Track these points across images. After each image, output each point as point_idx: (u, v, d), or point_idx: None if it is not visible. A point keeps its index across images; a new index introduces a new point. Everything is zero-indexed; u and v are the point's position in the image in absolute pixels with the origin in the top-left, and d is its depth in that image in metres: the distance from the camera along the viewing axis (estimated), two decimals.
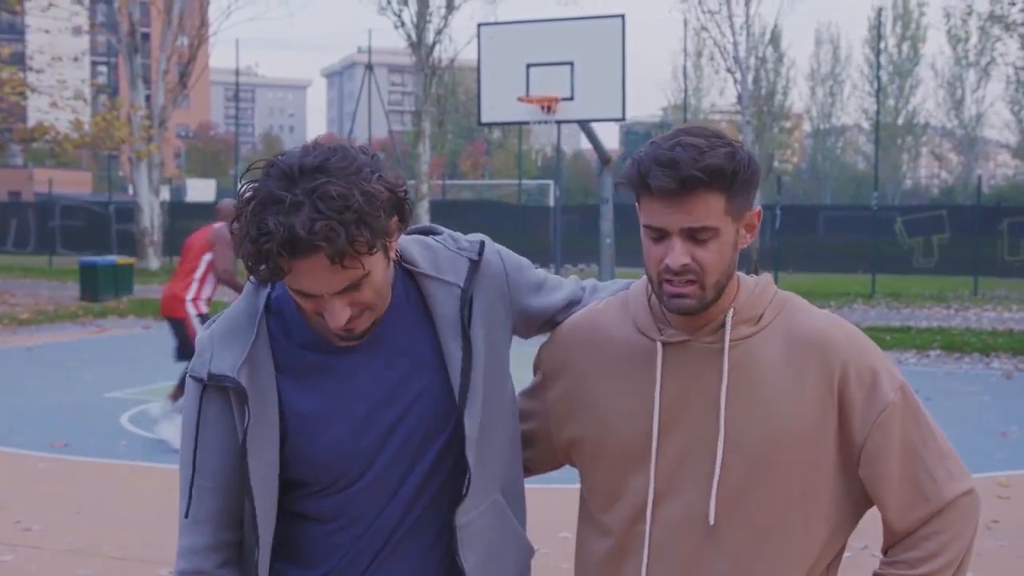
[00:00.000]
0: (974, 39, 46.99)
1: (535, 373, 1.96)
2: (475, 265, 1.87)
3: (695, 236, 1.66)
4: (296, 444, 1.78)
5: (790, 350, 1.72)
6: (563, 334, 1.91)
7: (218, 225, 8.26)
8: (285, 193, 1.60)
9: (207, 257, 8.19)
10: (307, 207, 1.59)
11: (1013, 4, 20.79)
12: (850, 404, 1.71)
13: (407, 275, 1.84)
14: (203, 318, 8.03)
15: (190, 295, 8.15)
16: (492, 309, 1.88)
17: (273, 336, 1.79)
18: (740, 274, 1.79)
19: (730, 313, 1.73)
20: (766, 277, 1.83)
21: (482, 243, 1.91)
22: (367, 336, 1.76)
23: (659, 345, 1.76)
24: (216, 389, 1.76)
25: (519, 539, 1.96)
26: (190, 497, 1.80)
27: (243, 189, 1.66)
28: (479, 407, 1.81)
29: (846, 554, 1.85)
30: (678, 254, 1.66)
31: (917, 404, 1.77)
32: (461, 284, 1.84)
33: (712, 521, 1.71)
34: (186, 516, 1.80)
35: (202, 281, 8.21)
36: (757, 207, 1.79)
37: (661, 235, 1.68)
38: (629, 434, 1.77)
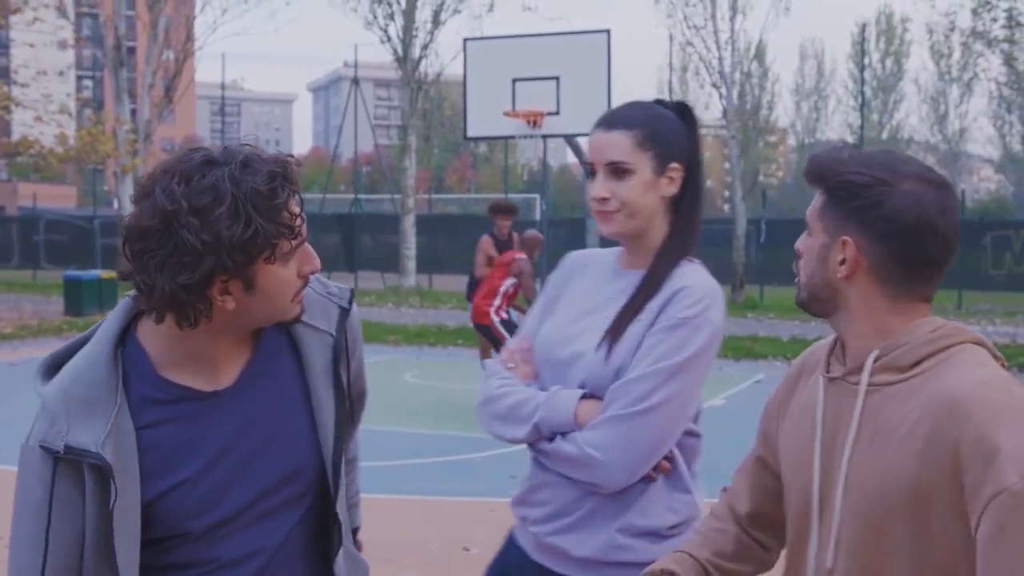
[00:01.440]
0: (957, 55, 47.34)
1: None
2: (345, 313, 1.86)
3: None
4: (162, 504, 1.70)
5: (923, 406, 1.62)
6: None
7: (521, 258, 10.43)
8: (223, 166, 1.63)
9: (510, 282, 10.31)
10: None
11: (995, 20, 20.96)
12: (964, 477, 1.55)
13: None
14: (505, 323, 10.09)
15: (493, 307, 10.23)
16: (352, 358, 1.90)
17: (132, 399, 1.69)
18: (926, 321, 1.70)
19: (873, 355, 1.70)
20: (950, 327, 1.69)
21: (352, 291, 1.92)
22: (236, 380, 1.75)
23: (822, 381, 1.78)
24: (69, 463, 1.64)
25: (358, 561, 2.01)
26: None
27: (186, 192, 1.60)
28: (335, 455, 1.81)
29: None
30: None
31: None
32: (333, 332, 1.84)
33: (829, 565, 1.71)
34: None
35: (504, 296, 10.30)
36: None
37: None
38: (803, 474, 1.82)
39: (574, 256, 2.44)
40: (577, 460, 2.14)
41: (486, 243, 10.97)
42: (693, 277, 2.24)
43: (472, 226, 31.76)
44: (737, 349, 15.05)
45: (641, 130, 2.24)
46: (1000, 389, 1.58)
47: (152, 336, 1.73)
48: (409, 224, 27.29)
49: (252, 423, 1.76)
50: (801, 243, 1.78)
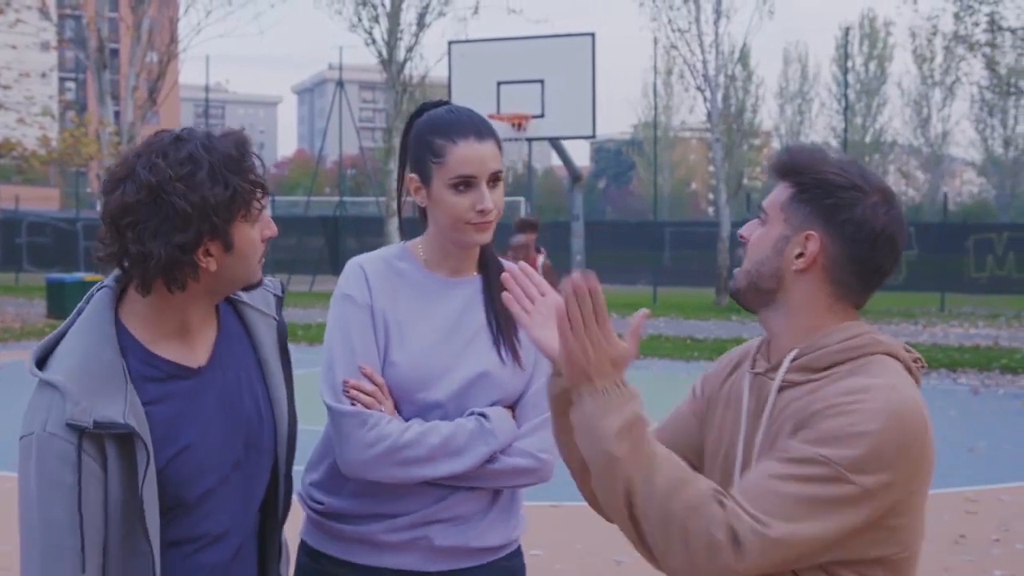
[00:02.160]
0: (939, 59, 47.53)
1: None
2: (280, 301, 2.09)
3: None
4: (169, 470, 1.84)
5: (808, 406, 1.69)
6: None
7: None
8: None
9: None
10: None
11: (977, 25, 21.07)
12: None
13: (228, 304, 2.01)
14: None
15: None
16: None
17: (132, 377, 1.82)
18: (848, 326, 1.74)
19: (791, 355, 1.74)
20: (868, 337, 1.74)
21: (283, 283, 2.14)
22: (209, 359, 1.93)
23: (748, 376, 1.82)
24: (92, 439, 1.75)
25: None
26: (84, 557, 1.76)
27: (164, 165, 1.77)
28: (289, 428, 2.03)
29: None
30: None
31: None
32: (276, 316, 2.06)
33: None
34: (83, 571, 1.76)
35: None
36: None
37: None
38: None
39: (365, 268, 2.32)
40: (528, 468, 2.25)
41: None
42: (514, 265, 2.36)
43: None
44: (721, 352, 15.04)
45: (496, 136, 2.32)
46: (874, 392, 1.63)
47: (133, 317, 1.87)
48: (394, 227, 27.24)
49: (227, 397, 1.93)
50: (749, 231, 1.81)
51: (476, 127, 2.27)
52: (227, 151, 1.81)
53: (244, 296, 2.02)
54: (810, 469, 1.60)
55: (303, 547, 2.37)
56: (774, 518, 1.57)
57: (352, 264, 2.34)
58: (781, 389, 1.74)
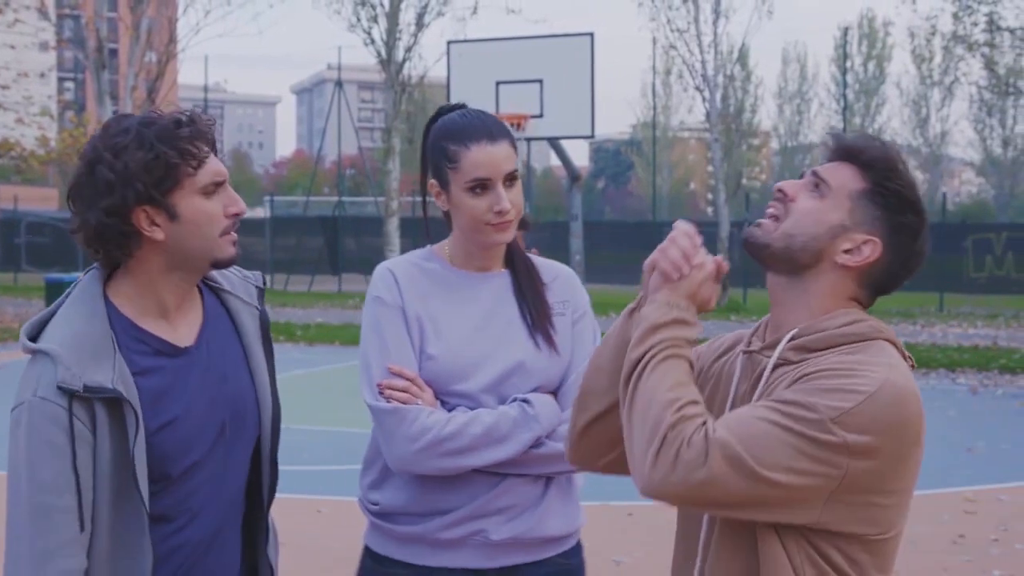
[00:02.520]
0: (938, 58, 47.53)
1: None
2: (261, 292, 2.16)
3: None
4: (155, 441, 1.90)
5: (804, 371, 1.70)
6: None
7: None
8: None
9: None
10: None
11: (975, 25, 21.07)
12: None
13: (212, 293, 2.08)
14: None
15: None
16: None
17: (121, 350, 1.89)
18: (848, 311, 1.76)
19: (791, 334, 1.75)
20: (868, 324, 1.76)
21: (263, 275, 2.22)
22: (196, 341, 2.00)
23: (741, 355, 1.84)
24: (83, 403, 1.82)
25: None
26: (82, 516, 1.82)
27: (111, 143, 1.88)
28: (273, 412, 2.09)
29: None
30: None
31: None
32: (258, 306, 2.13)
33: None
34: (82, 530, 1.83)
35: None
36: None
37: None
38: None
39: (394, 270, 2.38)
40: None
41: None
42: (547, 261, 2.46)
43: None
44: None
45: (510, 136, 2.37)
46: (874, 366, 1.65)
47: (120, 296, 1.95)
48: (393, 227, 27.22)
49: (212, 377, 2.00)
50: (795, 191, 1.78)
51: (488, 129, 2.31)
52: (164, 124, 1.89)
53: (226, 284, 2.09)
54: (795, 410, 1.60)
55: (366, 551, 2.41)
56: (749, 448, 1.57)
57: (380, 268, 2.40)
58: (775, 367, 1.74)
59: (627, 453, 1.66)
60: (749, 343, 1.83)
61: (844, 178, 1.76)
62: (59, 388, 1.80)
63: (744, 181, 34.74)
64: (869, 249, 1.74)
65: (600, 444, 1.87)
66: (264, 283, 2.19)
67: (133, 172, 1.85)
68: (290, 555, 6.07)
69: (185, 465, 1.95)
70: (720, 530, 1.74)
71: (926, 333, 18.38)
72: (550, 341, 2.33)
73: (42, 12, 24.80)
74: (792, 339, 1.74)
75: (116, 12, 26.60)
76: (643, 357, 1.66)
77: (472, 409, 2.27)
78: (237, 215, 1.96)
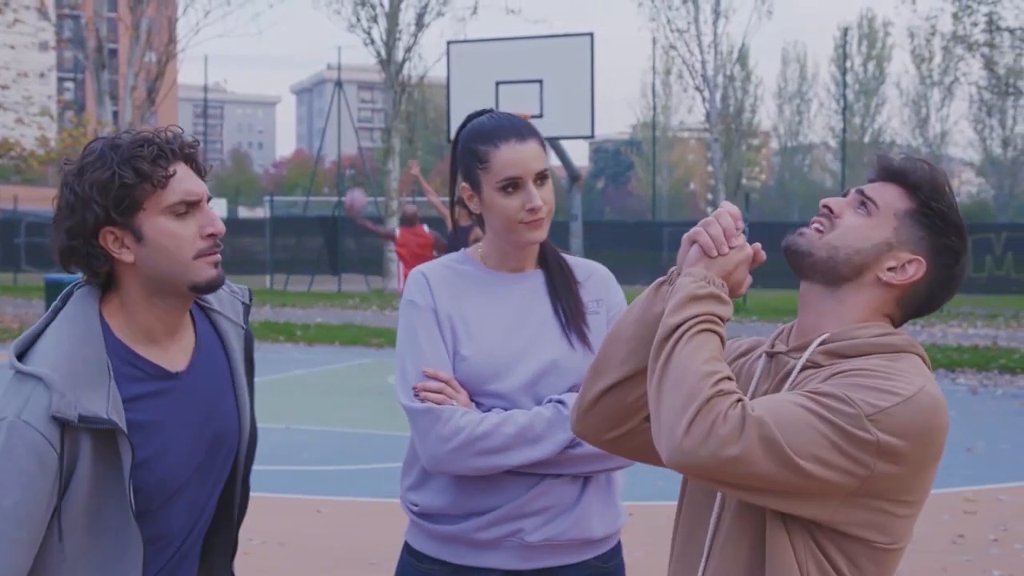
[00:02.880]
0: (938, 59, 47.57)
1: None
2: (247, 308, 2.13)
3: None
4: (139, 473, 1.87)
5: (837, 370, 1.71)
6: None
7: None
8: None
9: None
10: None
11: (975, 25, 21.09)
12: None
13: (203, 313, 2.06)
14: None
15: None
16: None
17: (116, 375, 1.86)
18: (879, 323, 1.77)
19: (821, 338, 1.76)
20: (899, 337, 1.77)
21: (250, 290, 2.18)
22: (188, 366, 1.97)
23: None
24: (72, 431, 1.78)
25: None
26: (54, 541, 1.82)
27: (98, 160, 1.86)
28: (251, 435, 2.09)
29: None
30: None
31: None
32: (244, 325, 2.11)
33: None
34: (64, 559, 1.83)
35: None
36: None
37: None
38: None
39: (426, 273, 2.41)
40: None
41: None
42: (581, 260, 2.48)
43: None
44: None
45: (539, 136, 2.40)
46: (911, 374, 1.66)
47: (113, 315, 1.92)
48: (393, 226, 27.25)
49: (204, 403, 1.98)
50: (841, 209, 1.80)
51: (517, 129, 2.35)
52: (128, 143, 1.87)
53: (215, 303, 2.07)
54: (832, 402, 1.60)
55: (406, 547, 2.44)
56: (784, 432, 1.56)
57: (414, 272, 2.44)
58: (803, 369, 1.74)
59: (653, 419, 1.64)
60: (772, 345, 1.84)
61: (891, 198, 1.78)
62: (53, 418, 1.75)
63: (744, 181, 34.81)
64: (913, 268, 1.76)
65: (609, 418, 1.85)
66: (250, 298, 2.16)
67: (88, 193, 1.84)
68: (290, 555, 6.08)
69: (165, 496, 1.93)
70: (728, 531, 1.74)
71: (926, 333, 18.37)
72: (584, 339, 2.35)
73: (42, 12, 24.82)
74: (823, 343, 1.75)
75: (116, 12, 26.60)
76: (681, 325, 1.64)
77: (507, 410, 2.29)
78: (214, 235, 1.89)
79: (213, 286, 1.92)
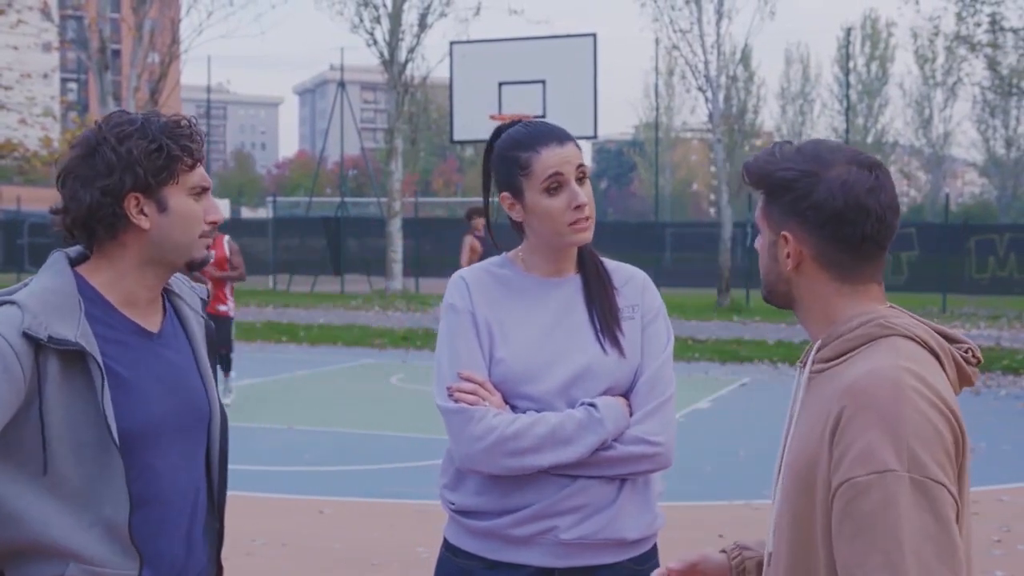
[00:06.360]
0: (941, 59, 47.53)
1: None
2: (204, 303, 2.24)
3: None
4: (124, 409, 1.94)
5: (830, 391, 1.69)
6: None
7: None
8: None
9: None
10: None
11: (978, 25, 21.08)
12: (833, 452, 1.64)
13: (165, 294, 2.14)
14: None
15: None
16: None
17: (89, 316, 1.95)
18: (864, 312, 1.75)
19: (817, 343, 1.78)
20: (878, 323, 1.73)
21: (208, 291, 2.29)
22: (160, 332, 2.07)
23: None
24: (41, 352, 1.86)
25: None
26: (45, 457, 1.89)
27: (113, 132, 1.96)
28: (221, 418, 2.17)
29: None
30: None
31: (901, 504, 1.56)
32: (202, 313, 2.21)
33: (769, 549, 1.79)
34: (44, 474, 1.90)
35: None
36: None
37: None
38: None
39: (466, 277, 2.46)
40: (644, 455, 2.33)
41: (472, 242, 11.09)
42: (621, 265, 2.49)
43: (458, 229, 31.74)
44: (722, 352, 15.06)
45: (574, 140, 2.44)
46: (882, 379, 1.63)
47: (95, 276, 2.00)
48: (395, 227, 27.26)
49: (174, 369, 2.07)
50: (757, 243, 1.86)
51: (555, 134, 2.39)
52: (167, 121, 2.00)
53: (175, 288, 2.16)
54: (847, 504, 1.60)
55: (445, 542, 2.47)
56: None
57: (454, 276, 2.48)
58: (812, 377, 1.78)
59: None
60: (803, 361, 1.86)
61: (758, 208, 1.84)
62: (24, 335, 1.84)
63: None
64: (790, 242, 1.76)
65: None
66: (208, 296, 2.28)
67: (135, 158, 1.93)
68: (292, 555, 6.09)
69: (150, 442, 1.98)
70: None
71: None
72: (617, 344, 2.37)
73: (45, 13, 24.83)
74: (819, 348, 1.78)
75: (119, 13, 26.61)
76: None
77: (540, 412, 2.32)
78: (214, 223, 2.06)
79: (204, 263, 2.09)
